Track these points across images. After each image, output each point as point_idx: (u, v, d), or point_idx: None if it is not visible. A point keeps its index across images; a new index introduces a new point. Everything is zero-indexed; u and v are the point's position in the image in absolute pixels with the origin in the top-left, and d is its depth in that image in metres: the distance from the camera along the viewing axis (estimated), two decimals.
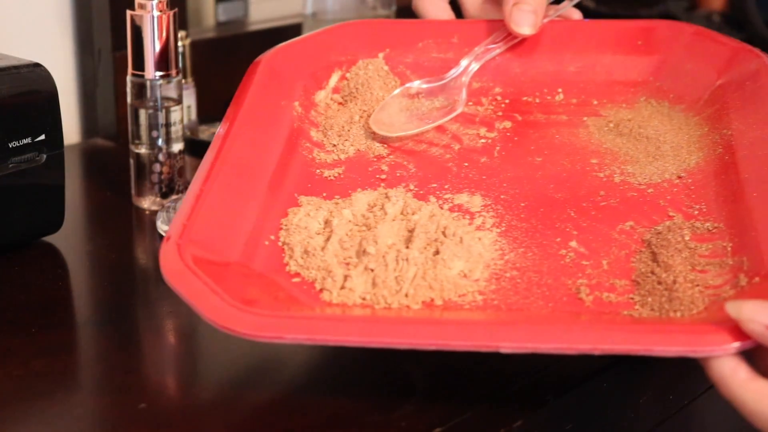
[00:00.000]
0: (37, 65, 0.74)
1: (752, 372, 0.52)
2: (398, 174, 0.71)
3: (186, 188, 0.76)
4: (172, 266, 0.58)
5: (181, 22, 0.98)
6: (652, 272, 0.61)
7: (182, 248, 0.59)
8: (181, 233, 0.60)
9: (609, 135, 0.74)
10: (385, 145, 0.73)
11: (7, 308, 0.68)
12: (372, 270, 0.60)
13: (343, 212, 0.65)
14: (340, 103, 0.77)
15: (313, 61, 0.78)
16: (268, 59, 0.77)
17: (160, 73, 0.80)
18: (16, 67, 0.73)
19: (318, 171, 0.71)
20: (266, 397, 0.59)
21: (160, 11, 0.79)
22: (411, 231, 0.63)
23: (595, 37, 0.80)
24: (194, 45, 0.97)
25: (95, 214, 0.87)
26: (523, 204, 0.67)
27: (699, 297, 0.58)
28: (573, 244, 0.64)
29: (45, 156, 0.74)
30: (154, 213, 0.81)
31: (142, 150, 0.81)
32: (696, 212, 0.66)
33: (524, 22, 0.77)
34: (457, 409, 0.57)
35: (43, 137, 0.73)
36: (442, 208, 0.67)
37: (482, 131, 0.75)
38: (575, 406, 0.61)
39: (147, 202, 0.83)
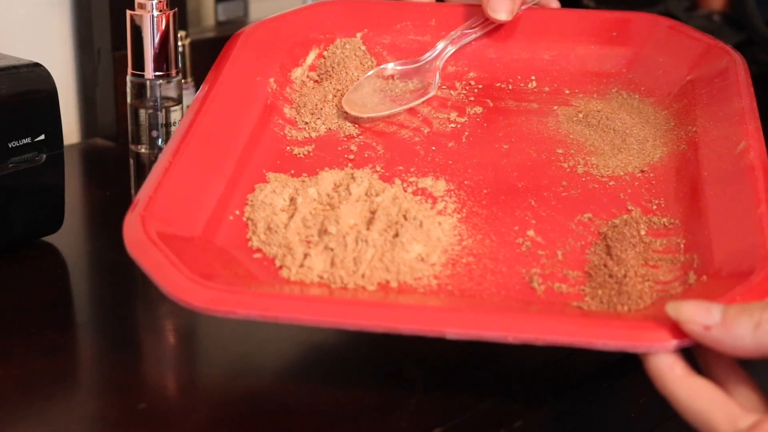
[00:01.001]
0: (37, 65, 0.74)
1: (688, 369, 0.53)
2: (366, 155, 0.72)
3: None
4: (135, 237, 0.59)
5: (181, 22, 0.98)
6: (605, 265, 0.62)
7: (146, 220, 0.60)
8: (147, 205, 0.61)
9: (577, 125, 0.75)
10: (356, 126, 0.74)
11: (7, 308, 0.68)
12: (332, 249, 0.61)
13: (309, 191, 0.66)
14: (315, 81, 0.78)
15: (292, 37, 0.79)
16: (248, 33, 0.78)
17: (160, 73, 0.80)
18: (15, 67, 0.73)
19: (288, 148, 0.72)
20: (266, 397, 0.59)
21: (160, 11, 0.78)
22: (373, 212, 0.64)
23: (571, 26, 0.81)
24: (194, 45, 0.97)
25: (95, 214, 0.87)
26: (485, 191, 0.68)
27: (647, 292, 0.59)
28: (530, 233, 0.65)
29: (45, 156, 0.74)
30: None
31: (142, 150, 0.81)
32: (654, 207, 0.67)
33: (501, 8, 0.78)
34: (457, 409, 0.58)
35: (42, 137, 0.74)
36: (406, 191, 0.68)
37: (453, 116, 0.76)
38: (575, 406, 0.61)
39: None
